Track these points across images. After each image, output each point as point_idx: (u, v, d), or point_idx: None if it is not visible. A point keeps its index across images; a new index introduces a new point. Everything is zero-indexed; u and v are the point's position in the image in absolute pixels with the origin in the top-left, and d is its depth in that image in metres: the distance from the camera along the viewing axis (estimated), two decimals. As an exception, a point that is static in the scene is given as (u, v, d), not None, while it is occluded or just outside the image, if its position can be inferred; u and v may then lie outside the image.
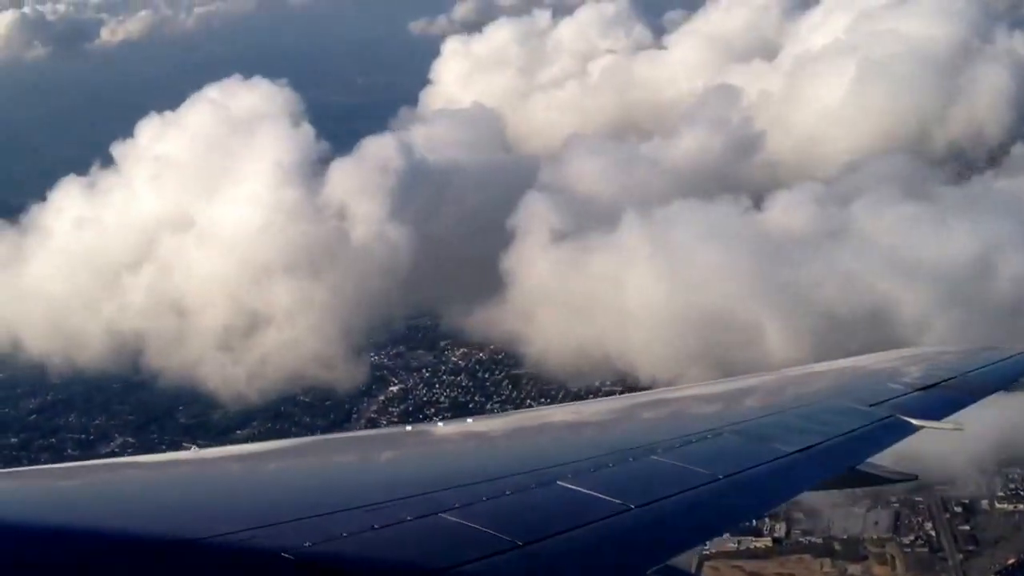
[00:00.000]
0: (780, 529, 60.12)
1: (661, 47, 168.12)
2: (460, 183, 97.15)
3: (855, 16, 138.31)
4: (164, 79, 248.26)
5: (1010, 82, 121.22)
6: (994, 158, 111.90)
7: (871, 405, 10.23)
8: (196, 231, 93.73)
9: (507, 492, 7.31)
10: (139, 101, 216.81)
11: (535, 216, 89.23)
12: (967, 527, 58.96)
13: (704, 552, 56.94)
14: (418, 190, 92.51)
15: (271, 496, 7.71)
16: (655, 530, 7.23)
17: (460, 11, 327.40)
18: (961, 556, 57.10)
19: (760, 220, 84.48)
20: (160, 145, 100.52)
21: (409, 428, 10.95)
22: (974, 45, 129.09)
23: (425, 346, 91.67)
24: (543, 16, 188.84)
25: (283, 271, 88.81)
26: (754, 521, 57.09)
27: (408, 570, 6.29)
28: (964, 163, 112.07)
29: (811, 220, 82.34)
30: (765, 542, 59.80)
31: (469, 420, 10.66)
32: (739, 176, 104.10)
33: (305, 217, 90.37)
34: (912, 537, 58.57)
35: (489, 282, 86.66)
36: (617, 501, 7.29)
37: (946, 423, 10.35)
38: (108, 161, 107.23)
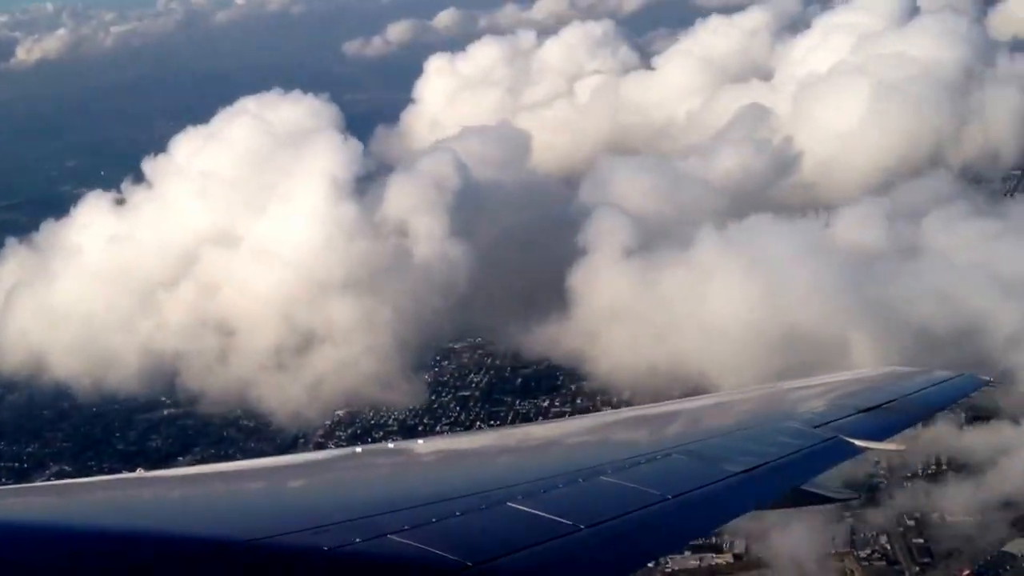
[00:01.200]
0: (740, 545, 61.29)
1: (650, 68, 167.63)
2: (504, 200, 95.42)
3: (856, 39, 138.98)
4: (85, 97, 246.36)
5: (1018, 103, 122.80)
6: (1009, 178, 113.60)
7: (816, 427, 10.43)
8: (239, 247, 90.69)
9: (457, 513, 7.34)
10: (57, 122, 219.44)
11: (596, 232, 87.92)
12: (921, 540, 60.94)
13: (667, 570, 58.59)
14: (467, 207, 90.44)
15: (210, 517, 7.73)
16: (604, 550, 7.28)
17: (394, 32, 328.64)
18: (917, 569, 59.15)
19: (829, 235, 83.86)
20: (194, 159, 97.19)
21: (359, 449, 10.52)
22: (978, 67, 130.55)
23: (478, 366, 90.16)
24: (527, 36, 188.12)
25: (334, 289, 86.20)
26: (714, 537, 59.06)
27: None
28: (988, 183, 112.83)
29: (883, 235, 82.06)
30: (726, 558, 61.15)
31: (420, 441, 11.13)
32: (773, 195, 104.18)
33: (354, 232, 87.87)
34: (869, 551, 60.55)
35: (548, 300, 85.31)
36: (567, 522, 7.34)
37: (888, 444, 10.72)
38: (127, 175, 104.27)
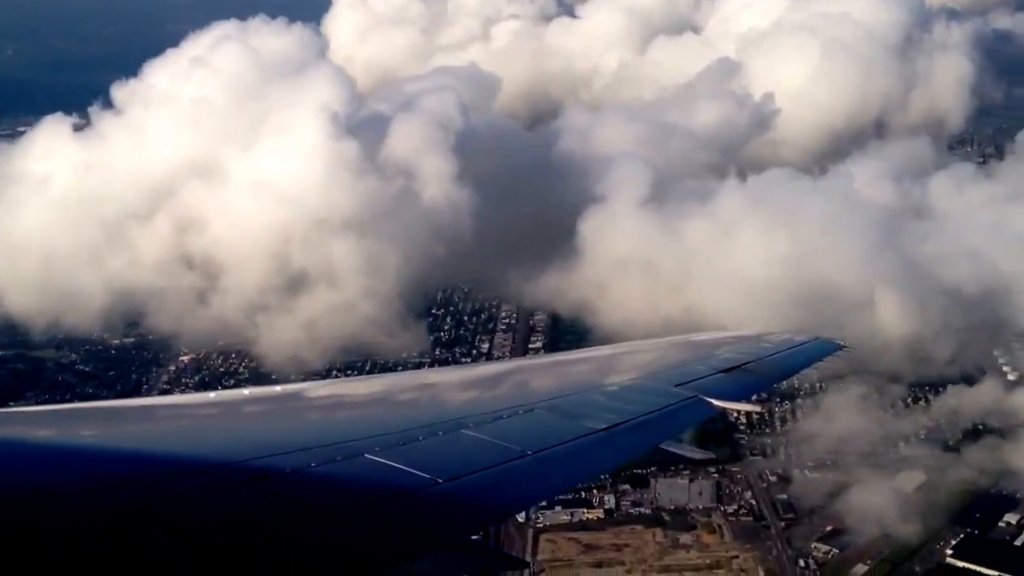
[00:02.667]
0: (609, 501, 63.17)
1: (573, 16, 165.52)
2: (492, 145, 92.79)
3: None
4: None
5: (958, 67, 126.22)
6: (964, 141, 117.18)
7: (677, 385, 10.55)
8: (221, 180, 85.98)
9: (311, 464, 7.17)
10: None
11: (601, 181, 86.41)
12: (784, 496, 63.35)
13: (538, 525, 60.53)
14: (461, 150, 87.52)
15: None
16: (460, 504, 7.23)
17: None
18: (783, 524, 61.39)
19: (834, 192, 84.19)
20: (170, 85, 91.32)
21: (224, 393, 10.69)
22: (917, 31, 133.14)
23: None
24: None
25: (330, 229, 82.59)
26: (583, 493, 62.47)
27: (203, 537, 6.19)
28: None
29: (892, 196, 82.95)
30: (597, 513, 62.80)
31: (277, 388, 10.95)
32: (748, 151, 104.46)
33: (350, 170, 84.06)
34: (735, 507, 62.58)
35: (550, 250, 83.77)
36: (425, 475, 7.29)
37: (745, 404, 11.26)
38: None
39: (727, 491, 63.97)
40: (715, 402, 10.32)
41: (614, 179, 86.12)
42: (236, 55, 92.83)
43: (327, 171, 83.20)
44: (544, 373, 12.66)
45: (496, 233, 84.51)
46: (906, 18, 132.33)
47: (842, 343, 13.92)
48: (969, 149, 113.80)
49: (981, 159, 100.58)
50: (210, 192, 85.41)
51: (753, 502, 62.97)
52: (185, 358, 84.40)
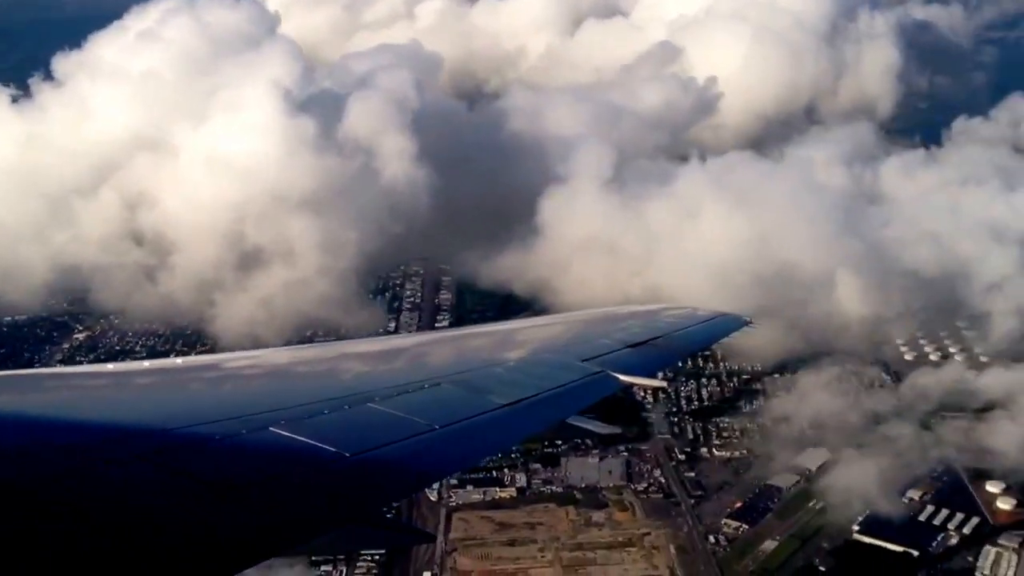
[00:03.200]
0: (521, 480, 63.84)
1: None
2: (440, 124, 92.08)
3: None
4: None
5: (885, 55, 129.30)
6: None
7: (584, 360, 10.67)
8: (169, 153, 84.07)
9: (216, 436, 7.21)
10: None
11: (555, 161, 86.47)
12: (692, 474, 64.88)
13: (450, 504, 60.95)
14: (412, 127, 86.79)
15: None
16: (369, 479, 7.31)
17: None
18: (692, 501, 62.87)
19: (787, 175, 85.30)
20: (116, 58, 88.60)
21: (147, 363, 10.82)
22: (843, 20, 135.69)
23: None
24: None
25: (284, 206, 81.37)
26: (495, 472, 63.19)
27: (104, 507, 6.21)
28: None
29: (844, 180, 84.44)
30: (509, 492, 63.40)
31: (179, 360, 10.86)
32: (684, 135, 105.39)
33: (302, 146, 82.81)
34: (645, 484, 63.66)
35: (505, 229, 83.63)
36: (331, 449, 7.34)
37: (651, 380, 11.27)
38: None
39: (637, 469, 64.76)
40: (621, 377, 10.28)
41: (568, 159, 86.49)
42: (183, 28, 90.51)
43: (279, 147, 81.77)
44: (451, 347, 12.66)
45: (451, 213, 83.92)
46: (831, 7, 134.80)
47: (748, 319, 14.03)
48: (909, 137, 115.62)
49: (924, 146, 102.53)
50: (159, 167, 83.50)
51: (663, 480, 63.86)
52: (80, 335, 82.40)
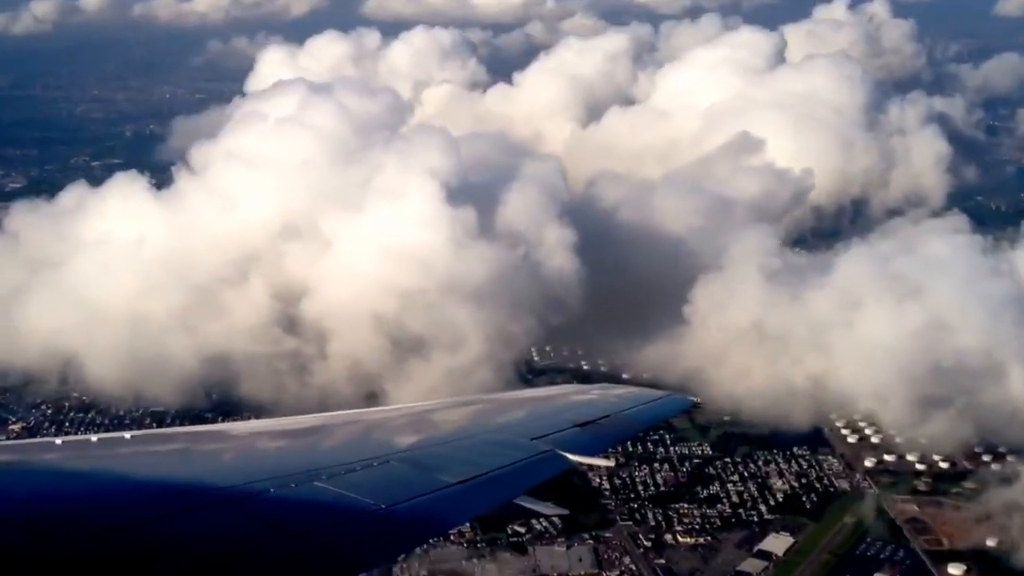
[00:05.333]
0: (491, 571, 62.30)
1: (510, 84, 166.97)
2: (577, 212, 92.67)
3: (744, 74, 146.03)
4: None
5: (927, 143, 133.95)
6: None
7: (533, 439, 10.85)
8: (316, 241, 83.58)
9: (152, 516, 7.42)
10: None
11: (689, 249, 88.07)
12: (662, 560, 64.60)
13: None
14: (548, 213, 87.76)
15: None
16: (308, 560, 7.36)
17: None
18: None
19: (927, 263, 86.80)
20: (257, 145, 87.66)
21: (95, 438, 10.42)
22: (877, 109, 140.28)
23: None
24: (371, 36, 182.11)
25: (431, 293, 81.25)
26: (462, 562, 61.69)
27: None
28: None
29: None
30: None
31: (127, 435, 10.14)
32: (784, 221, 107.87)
33: (453, 235, 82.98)
34: (617, 573, 63.27)
35: (651, 315, 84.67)
36: (269, 530, 7.58)
37: (599, 459, 11.65)
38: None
39: (606, 557, 63.99)
40: (570, 456, 10.42)
41: (708, 246, 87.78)
42: (322, 113, 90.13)
43: (436, 235, 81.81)
44: (401, 424, 12.60)
45: (597, 302, 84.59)
46: (863, 95, 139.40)
47: (695, 399, 14.69)
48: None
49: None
50: (310, 255, 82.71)
51: (634, 567, 63.17)
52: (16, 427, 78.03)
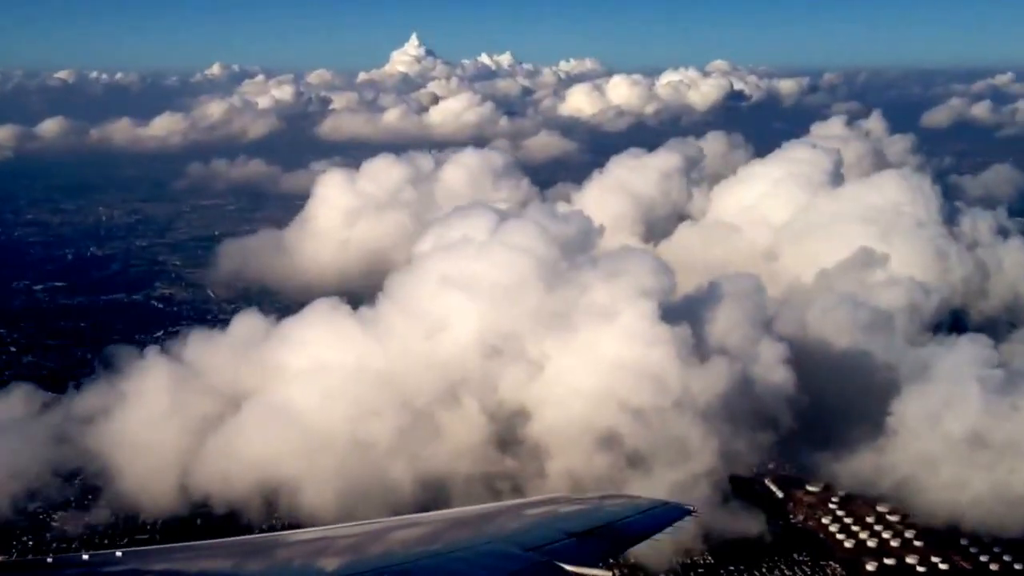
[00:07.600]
0: None
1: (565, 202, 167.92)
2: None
3: (812, 189, 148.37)
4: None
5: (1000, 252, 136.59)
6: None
7: (527, 549, 11.04)
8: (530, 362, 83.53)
9: None
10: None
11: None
12: None
13: None
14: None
15: None
16: None
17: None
18: None
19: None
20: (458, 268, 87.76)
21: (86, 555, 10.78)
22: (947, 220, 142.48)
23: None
24: (425, 159, 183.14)
25: (655, 409, 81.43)
26: None
27: None
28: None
29: None
30: None
31: (118, 552, 10.30)
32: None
33: (671, 350, 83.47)
34: None
35: (855, 427, 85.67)
36: None
37: (596, 570, 11.48)
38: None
39: None
40: (566, 567, 10.57)
41: (891, 358, 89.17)
42: (519, 235, 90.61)
43: (653, 352, 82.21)
44: (396, 537, 12.53)
45: (805, 412, 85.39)
46: (934, 206, 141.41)
47: (691, 508, 14.46)
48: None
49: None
50: (525, 374, 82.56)
51: None
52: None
